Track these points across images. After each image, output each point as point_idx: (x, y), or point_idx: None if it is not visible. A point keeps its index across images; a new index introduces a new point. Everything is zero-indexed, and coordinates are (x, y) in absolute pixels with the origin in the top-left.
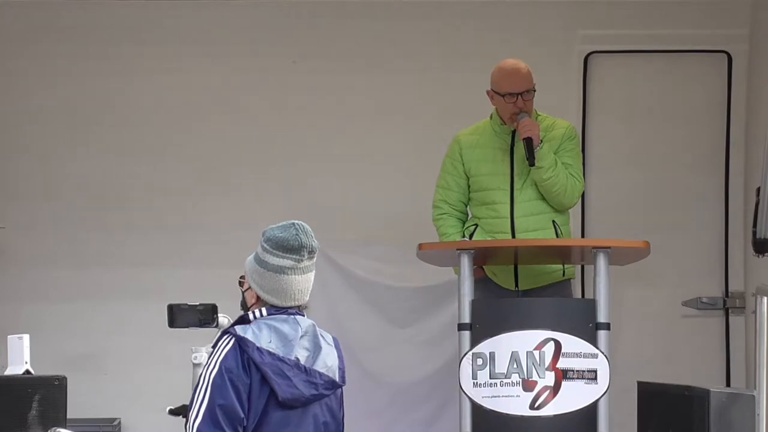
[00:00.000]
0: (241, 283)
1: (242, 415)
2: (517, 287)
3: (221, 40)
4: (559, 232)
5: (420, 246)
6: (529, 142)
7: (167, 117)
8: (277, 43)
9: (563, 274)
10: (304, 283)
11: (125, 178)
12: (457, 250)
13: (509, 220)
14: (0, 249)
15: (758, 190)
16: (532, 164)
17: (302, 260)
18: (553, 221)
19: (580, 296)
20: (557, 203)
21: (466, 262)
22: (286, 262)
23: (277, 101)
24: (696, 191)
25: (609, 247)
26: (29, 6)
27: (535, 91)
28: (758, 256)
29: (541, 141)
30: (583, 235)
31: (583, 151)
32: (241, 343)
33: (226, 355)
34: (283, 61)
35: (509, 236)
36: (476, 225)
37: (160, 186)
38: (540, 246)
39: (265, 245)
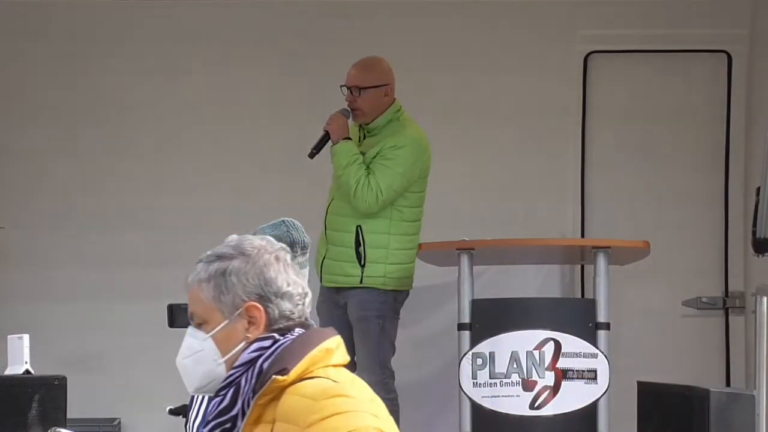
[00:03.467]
0: None
1: None
2: (322, 283)
3: (221, 40)
4: (360, 239)
5: (420, 246)
6: (324, 136)
7: (167, 117)
8: (277, 44)
9: (360, 282)
10: None
11: (125, 177)
12: (457, 249)
13: (325, 214)
14: (0, 249)
15: (758, 190)
16: (310, 155)
17: (296, 256)
18: (358, 226)
19: (580, 295)
20: (351, 204)
21: (465, 262)
22: None
23: (277, 101)
24: (696, 191)
25: (609, 247)
26: (29, 6)
27: (366, 89)
28: (758, 256)
29: (349, 138)
30: (583, 235)
31: (582, 150)
32: None
33: None
34: (282, 61)
35: (324, 231)
36: None
37: (159, 185)
38: (538, 246)
39: None
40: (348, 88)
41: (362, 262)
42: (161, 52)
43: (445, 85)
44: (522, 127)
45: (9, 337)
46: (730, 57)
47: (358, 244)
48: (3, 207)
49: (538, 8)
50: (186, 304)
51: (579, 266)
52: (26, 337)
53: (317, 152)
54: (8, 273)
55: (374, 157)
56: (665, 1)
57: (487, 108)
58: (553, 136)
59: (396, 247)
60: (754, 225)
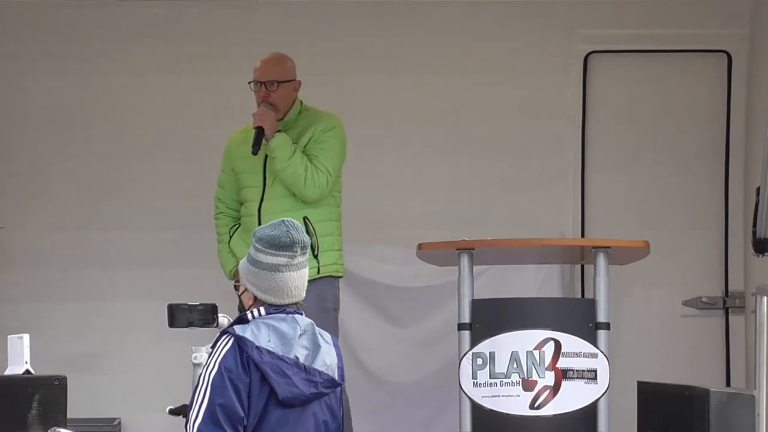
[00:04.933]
0: (236, 287)
1: (242, 415)
2: None
3: (220, 40)
4: (311, 230)
5: (420, 246)
6: (260, 132)
7: (167, 117)
8: (276, 43)
9: (318, 272)
10: (299, 279)
11: (125, 177)
12: (457, 249)
13: (257, 217)
14: (0, 249)
15: (758, 190)
16: (254, 152)
17: (295, 256)
18: (305, 218)
19: (580, 295)
20: (299, 195)
21: (465, 262)
22: (280, 260)
23: None
24: (696, 191)
25: (609, 247)
26: (29, 6)
27: (283, 83)
28: (758, 256)
29: (279, 131)
30: (583, 235)
31: (582, 150)
32: (240, 343)
33: (225, 354)
34: None
35: None
36: (239, 224)
37: (159, 185)
38: (538, 246)
39: (257, 245)
40: (262, 83)
41: (315, 253)
42: (161, 52)
43: (445, 85)
44: (522, 127)
45: (9, 337)
46: (730, 57)
47: (309, 235)
48: (3, 207)
49: (538, 8)
50: (186, 304)
51: (579, 266)
52: (26, 337)
53: (259, 148)
54: (8, 273)
55: (306, 145)
56: (665, 1)
57: (487, 108)
58: (553, 136)
59: (338, 234)
60: (754, 225)
